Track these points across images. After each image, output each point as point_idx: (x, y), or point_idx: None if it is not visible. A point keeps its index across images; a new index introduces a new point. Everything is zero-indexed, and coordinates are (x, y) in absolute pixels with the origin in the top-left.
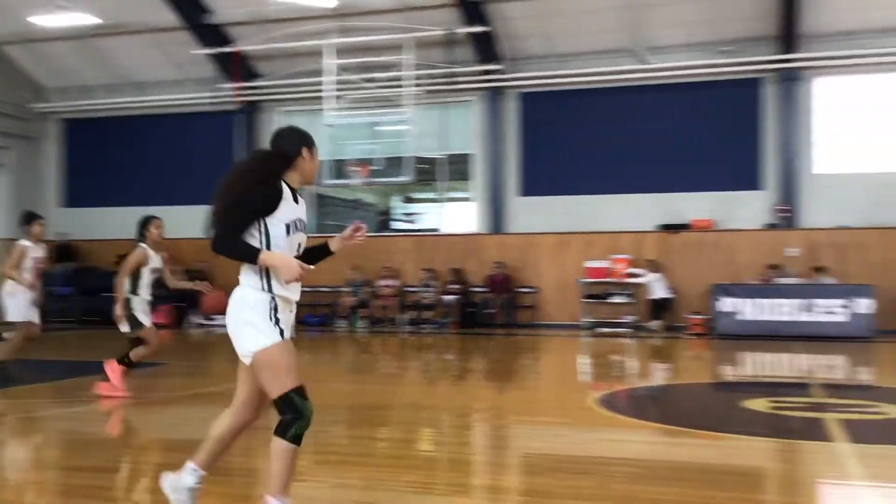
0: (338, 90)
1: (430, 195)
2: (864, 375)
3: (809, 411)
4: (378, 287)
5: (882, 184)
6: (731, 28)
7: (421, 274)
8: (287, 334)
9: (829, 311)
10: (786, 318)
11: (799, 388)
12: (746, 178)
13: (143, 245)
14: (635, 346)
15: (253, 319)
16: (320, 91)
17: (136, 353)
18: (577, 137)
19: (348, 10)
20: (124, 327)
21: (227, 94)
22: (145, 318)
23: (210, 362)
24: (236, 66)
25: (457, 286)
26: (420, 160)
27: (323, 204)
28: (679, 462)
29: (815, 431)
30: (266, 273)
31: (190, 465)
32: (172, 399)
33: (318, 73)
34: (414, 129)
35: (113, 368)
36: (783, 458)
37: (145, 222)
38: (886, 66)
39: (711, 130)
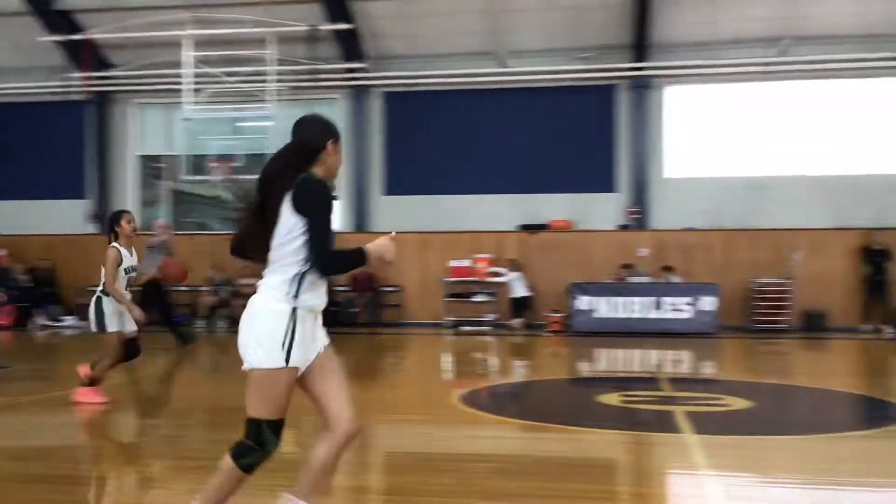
0: (197, 83)
1: None
2: (709, 369)
3: (658, 404)
4: (239, 286)
5: (726, 188)
6: (589, 35)
7: None
8: (296, 356)
9: (677, 309)
10: (637, 315)
11: (649, 382)
12: (601, 181)
13: (116, 244)
14: (497, 343)
15: (262, 338)
16: (178, 83)
17: (100, 367)
18: (441, 138)
19: (207, 0)
20: (94, 327)
21: (77, 83)
22: (113, 323)
23: (55, 365)
24: (87, 55)
25: None
26: None
27: (181, 201)
28: (538, 456)
29: (663, 423)
30: (299, 281)
31: (293, 499)
32: (14, 405)
33: (177, 64)
34: (276, 125)
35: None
36: (634, 449)
37: (117, 217)
38: (732, 76)
39: (569, 134)
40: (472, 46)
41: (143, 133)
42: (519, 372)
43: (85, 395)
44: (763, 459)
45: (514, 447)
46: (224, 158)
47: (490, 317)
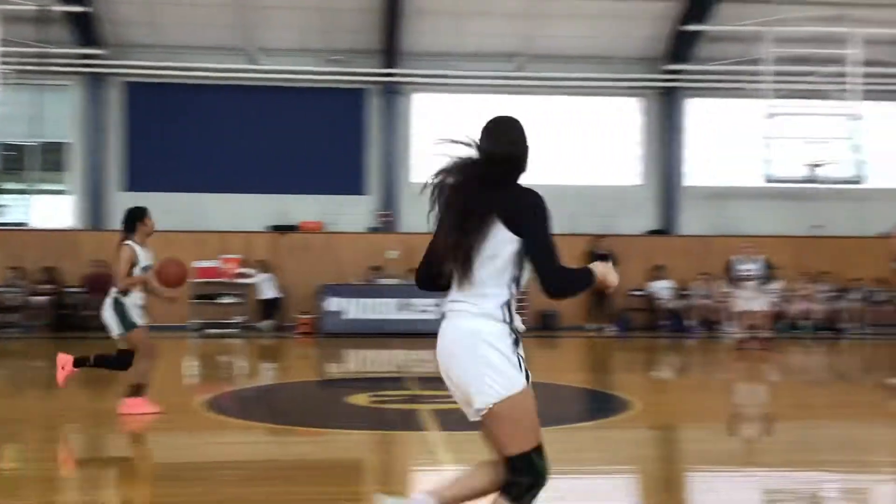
0: None
1: (18, 186)
2: None
3: (405, 403)
4: None
5: None
6: (341, 38)
7: (6, 273)
8: (530, 377)
9: (423, 310)
10: (386, 316)
11: (397, 382)
12: (352, 183)
13: (131, 242)
14: (244, 346)
15: (495, 360)
16: None
17: (138, 373)
18: (188, 133)
19: None
20: (118, 329)
21: None
22: (138, 317)
23: None
24: None
25: (49, 286)
26: (7, 147)
27: None
28: (287, 461)
29: (410, 422)
30: (509, 304)
31: (425, 498)
32: None
33: None
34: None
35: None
36: (382, 449)
37: (141, 214)
38: (475, 87)
39: (320, 135)
40: (222, 41)
41: None
42: (267, 375)
43: (135, 406)
44: None
45: (263, 452)
46: None
47: (238, 319)
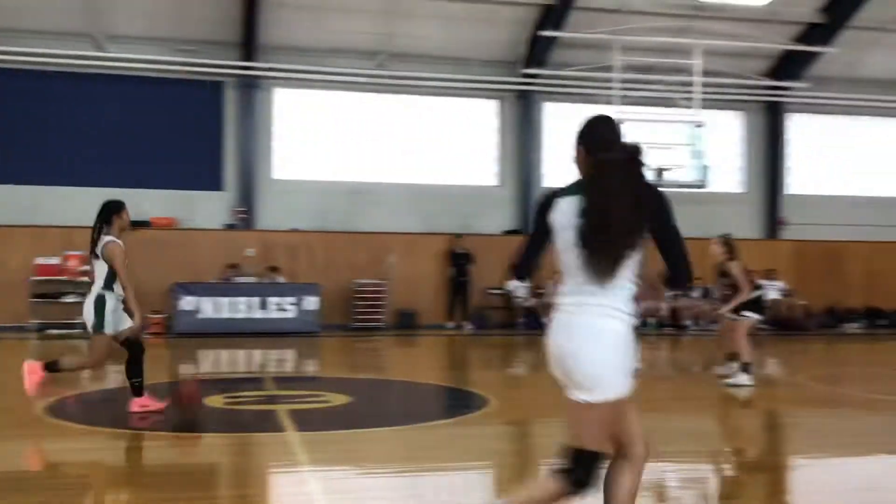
0: None
1: None
2: (311, 367)
3: (262, 404)
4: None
5: (330, 191)
6: (195, 28)
7: None
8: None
9: (282, 308)
10: (243, 315)
11: (253, 382)
12: (208, 179)
13: (114, 237)
14: (87, 347)
15: (625, 365)
16: None
17: (73, 361)
18: (28, 122)
19: None
20: (91, 326)
21: None
22: (109, 324)
23: None
24: None
25: None
26: None
27: None
28: (136, 467)
29: (267, 423)
30: (632, 294)
31: None
32: None
33: None
34: None
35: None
36: (237, 451)
37: (119, 208)
38: (337, 84)
39: (174, 128)
40: (65, 25)
41: None
42: (114, 378)
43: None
44: (360, 452)
45: (109, 459)
46: None
47: (82, 319)
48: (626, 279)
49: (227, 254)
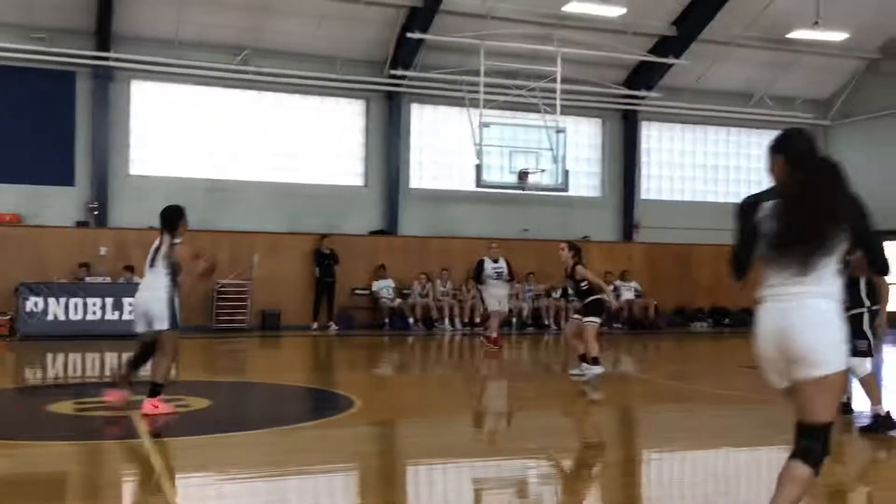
0: None
1: None
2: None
3: (115, 410)
4: None
5: (190, 188)
6: (48, 15)
7: None
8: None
9: None
10: (96, 316)
11: (106, 387)
12: (58, 173)
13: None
14: None
15: (840, 337)
16: None
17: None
18: None
19: None
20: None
21: None
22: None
23: None
24: None
25: None
26: None
27: None
28: None
29: (121, 429)
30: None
31: None
32: None
33: None
34: None
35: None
36: (88, 460)
37: (182, 213)
38: (197, 78)
39: (20, 119)
40: None
41: None
42: None
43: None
44: (220, 457)
45: None
46: None
47: None
48: (828, 267)
49: (80, 252)
